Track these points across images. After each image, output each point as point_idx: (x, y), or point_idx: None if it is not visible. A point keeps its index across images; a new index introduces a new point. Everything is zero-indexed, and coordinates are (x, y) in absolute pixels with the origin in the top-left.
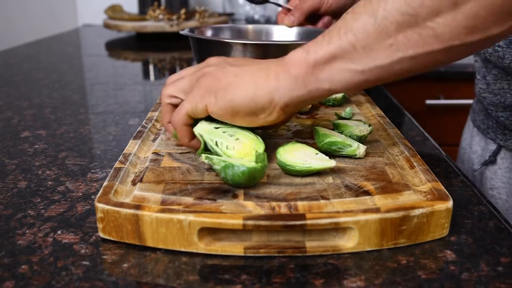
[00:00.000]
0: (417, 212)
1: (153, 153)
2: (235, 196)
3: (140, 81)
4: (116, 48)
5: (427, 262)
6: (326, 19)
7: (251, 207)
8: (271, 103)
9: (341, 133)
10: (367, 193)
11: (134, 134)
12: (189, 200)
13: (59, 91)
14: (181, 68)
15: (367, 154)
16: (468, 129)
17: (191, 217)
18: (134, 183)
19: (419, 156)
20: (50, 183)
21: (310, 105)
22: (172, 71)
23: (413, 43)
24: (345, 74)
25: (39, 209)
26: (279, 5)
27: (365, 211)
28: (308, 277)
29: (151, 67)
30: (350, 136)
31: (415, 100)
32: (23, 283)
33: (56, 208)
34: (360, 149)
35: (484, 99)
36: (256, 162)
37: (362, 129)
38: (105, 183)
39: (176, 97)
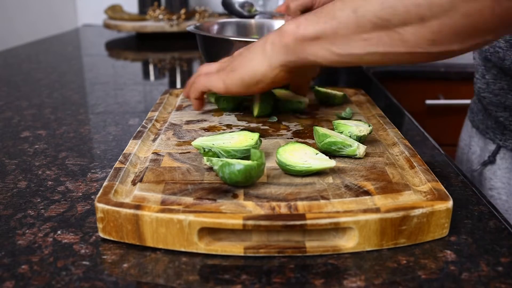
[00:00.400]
0: (417, 212)
1: (153, 153)
2: (235, 196)
3: (140, 81)
4: (116, 48)
5: (427, 262)
6: None
7: (251, 207)
8: (270, 67)
9: (341, 133)
10: (367, 193)
11: (134, 134)
12: (189, 200)
13: (59, 91)
14: (181, 68)
15: (367, 154)
16: (466, 129)
17: (191, 217)
18: (134, 183)
19: (419, 156)
20: (50, 183)
21: (308, 102)
22: (172, 71)
23: (383, 43)
24: (326, 53)
25: (39, 209)
26: (269, 15)
27: (365, 211)
28: (308, 277)
29: (151, 67)
30: (350, 136)
31: (415, 100)
32: (23, 283)
33: (56, 208)
34: (360, 149)
35: (483, 99)
36: (253, 160)
37: (362, 129)
38: (105, 183)
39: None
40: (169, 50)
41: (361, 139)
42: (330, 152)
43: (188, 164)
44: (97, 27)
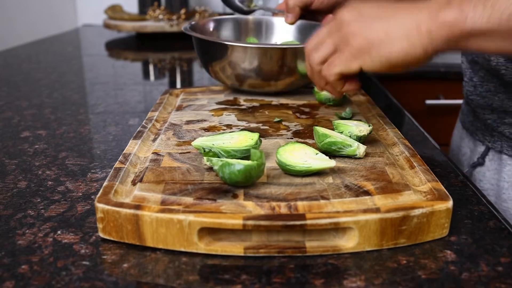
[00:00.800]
0: (417, 212)
1: (153, 153)
2: (235, 196)
3: (140, 81)
4: (116, 48)
5: (427, 262)
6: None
7: (251, 207)
8: (426, 54)
9: (341, 133)
10: (367, 193)
11: (134, 134)
12: (189, 200)
13: (59, 91)
14: (181, 68)
15: (367, 154)
16: (458, 130)
17: (191, 217)
18: (134, 183)
19: (419, 156)
20: (50, 183)
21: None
22: (172, 71)
23: None
24: (493, 47)
25: (39, 209)
26: (270, 11)
27: (365, 211)
28: (308, 277)
29: (151, 67)
30: (350, 136)
31: (415, 100)
32: (23, 283)
33: (56, 208)
34: (360, 149)
35: (471, 102)
36: (253, 160)
37: (362, 129)
38: (105, 183)
39: (326, 60)
40: (169, 50)
41: (361, 139)
42: (330, 152)
43: (188, 164)
44: (97, 27)
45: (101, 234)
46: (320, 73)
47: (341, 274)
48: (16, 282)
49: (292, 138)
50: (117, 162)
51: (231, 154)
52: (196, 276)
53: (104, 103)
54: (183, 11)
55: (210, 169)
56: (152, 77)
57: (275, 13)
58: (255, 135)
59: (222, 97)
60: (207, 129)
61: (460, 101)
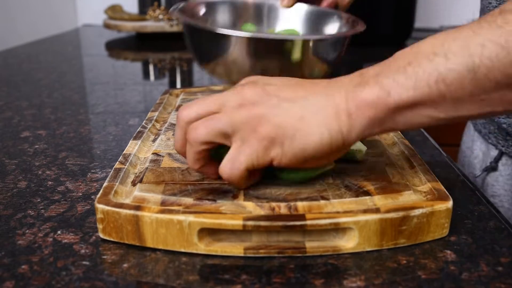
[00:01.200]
0: (417, 212)
1: (153, 153)
2: (235, 197)
3: (140, 81)
4: (116, 48)
5: (427, 262)
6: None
7: (251, 207)
8: (344, 143)
9: None
10: (367, 193)
11: (134, 135)
12: (189, 200)
13: (59, 91)
14: (181, 68)
15: (367, 154)
16: (469, 132)
17: (191, 218)
18: (134, 183)
19: (419, 156)
20: (50, 183)
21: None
22: (172, 71)
23: (506, 102)
24: (424, 119)
25: (39, 209)
26: None
27: (365, 211)
28: (308, 277)
29: (151, 67)
30: None
31: None
32: (23, 283)
33: (56, 208)
34: (360, 149)
35: None
36: None
37: None
38: (105, 184)
39: (212, 142)
40: (169, 50)
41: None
42: None
43: None
44: (97, 27)
45: (101, 235)
46: (202, 155)
47: (341, 274)
48: (16, 282)
49: None
50: (117, 162)
51: None
52: (196, 276)
53: (104, 103)
54: None
55: None
56: (152, 77)
57: None
58: None
59: None
60: None
61: None
